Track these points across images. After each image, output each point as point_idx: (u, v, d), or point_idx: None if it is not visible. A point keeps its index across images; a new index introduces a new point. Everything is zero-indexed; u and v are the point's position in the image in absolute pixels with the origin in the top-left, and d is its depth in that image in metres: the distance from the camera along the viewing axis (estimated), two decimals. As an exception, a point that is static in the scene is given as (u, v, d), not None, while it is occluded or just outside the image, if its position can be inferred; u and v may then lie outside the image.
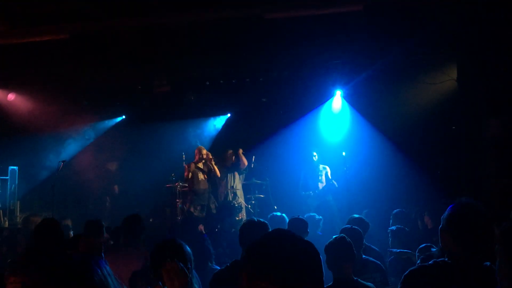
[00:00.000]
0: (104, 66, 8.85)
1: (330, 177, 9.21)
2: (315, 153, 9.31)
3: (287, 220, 5.23)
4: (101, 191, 10.43)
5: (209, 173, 9.12)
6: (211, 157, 9.06)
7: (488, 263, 2.34)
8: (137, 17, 7.12)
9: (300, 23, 7.37)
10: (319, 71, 9.01)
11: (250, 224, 3.73)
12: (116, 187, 10.53)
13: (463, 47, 7.65)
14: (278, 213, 5.22)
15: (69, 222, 7.17)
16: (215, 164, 9.15)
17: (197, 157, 9.15)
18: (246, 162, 9.40)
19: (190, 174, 9.06)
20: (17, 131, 9.83)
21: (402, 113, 9.25)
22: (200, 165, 9.11)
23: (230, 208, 8.40)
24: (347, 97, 9.78)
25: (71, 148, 10.60)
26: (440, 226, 2.46)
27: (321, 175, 9.23)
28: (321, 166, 9.30)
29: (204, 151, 9.16)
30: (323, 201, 8.96)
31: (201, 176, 9.04)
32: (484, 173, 7.22)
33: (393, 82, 9.03)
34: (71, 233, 6.31)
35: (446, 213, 2.45)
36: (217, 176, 9.17)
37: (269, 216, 5.21)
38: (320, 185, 9.20)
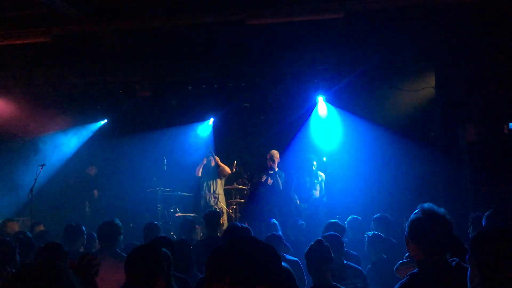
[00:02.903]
0: (85, 70, 8.78)
1: (323, 187, 9.10)
2: (315, 162, 9.14)
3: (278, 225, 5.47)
4: (81, 196, 10.29)
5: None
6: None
7: (457, 259, 2.36)
8: (119, 21, 7.09)
9: (281, 29, 7.45)
10: (300, 77, 9.05)
11: (232, 229, 3.76)
12: (95, 192, 10.41)
13: (441, 56, 7.82)
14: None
15: (41, 227, 7.05)
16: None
17: (270, 163, 8.80)
18: (228, 170, 9.30)
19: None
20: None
21: (382, 119, 9.38)
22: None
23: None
24: (330, 102, 9.85)
25: (50, 151, 10.43)
26: (405, 233, 2.42)
27: (317, 182, 9.10)
28: (318, 173, 9.19)
29: (277, 156, 8.86)
30: (314, 212, 8.94)
31: (270, 181, 8.74)
32: (460, 178, 7.37)
33: (372, 89, 9.15)
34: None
35: (409, 220, 2.42)
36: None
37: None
38: (315, 193, 9.04)
